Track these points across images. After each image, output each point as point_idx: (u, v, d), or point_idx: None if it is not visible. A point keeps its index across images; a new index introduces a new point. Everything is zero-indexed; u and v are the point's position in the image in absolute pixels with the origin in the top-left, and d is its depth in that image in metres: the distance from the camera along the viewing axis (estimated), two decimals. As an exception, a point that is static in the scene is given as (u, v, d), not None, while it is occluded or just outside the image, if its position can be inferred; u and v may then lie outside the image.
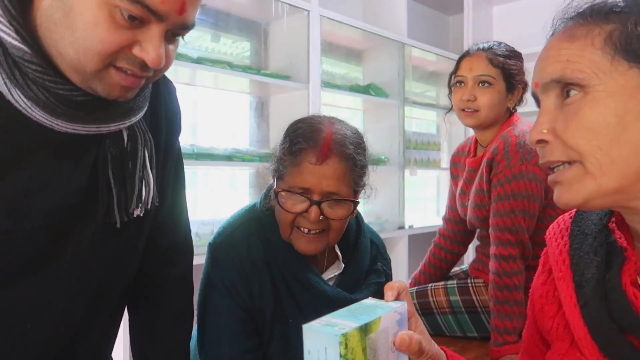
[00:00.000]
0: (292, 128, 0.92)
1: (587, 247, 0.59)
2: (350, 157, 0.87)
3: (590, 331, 0.55)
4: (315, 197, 0.86)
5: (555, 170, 0.55)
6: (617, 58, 0.51)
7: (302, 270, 0.93)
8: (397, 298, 0.61)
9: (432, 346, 0.62)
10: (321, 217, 0.86)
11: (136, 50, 0.57)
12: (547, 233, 0.67)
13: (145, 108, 0.70)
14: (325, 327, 0.51)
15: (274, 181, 0.92)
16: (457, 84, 1.41)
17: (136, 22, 0.56)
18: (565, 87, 0.53)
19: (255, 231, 0.96)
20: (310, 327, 0.52)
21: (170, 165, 0.82)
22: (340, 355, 0.49)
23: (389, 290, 0.61)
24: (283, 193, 0.88)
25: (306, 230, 0.89)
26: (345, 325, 0.51)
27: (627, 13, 0.52)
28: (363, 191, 0.94)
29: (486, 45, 1.39)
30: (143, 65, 0.59)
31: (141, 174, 0.70)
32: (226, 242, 0.95)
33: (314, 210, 0.86)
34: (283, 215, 0.89)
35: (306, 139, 0.86)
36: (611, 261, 0.56)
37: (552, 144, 0.54)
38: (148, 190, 0.72)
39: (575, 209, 0.66)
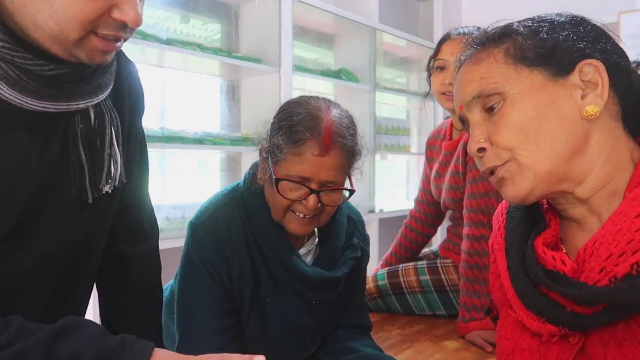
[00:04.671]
0: (289, 112, 0.90)
1: (517, 219, 0.68)
2: (350, 149, 0.89)
3: (514, 288, 0.64)
4: (314, 186, 0.87)
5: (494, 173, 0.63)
6: (519, 66, 0.61)
7: (283, 250, 0.94)
8: None
9: None
10: (318, 204, 0.88)
11: (116, 14, 0.58)
12: (493, 215, 0.76)
13: (111, 86, 0.70)
14: None
15: (268, 162, 0.91)
16: (438, 68, 1.42)
17: None
18: (485, 100, 0.62)
19: (237, 212, 0.96)
20: None
21: (134, 145, 0.83)
22: None
23: None
24: (281, 180, 0.88)
25: (301, 215, 0.90)
26: None
27: (514, 34, 0.62)
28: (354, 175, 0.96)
29: (467, 30, 1.39)
30: (123, 27, 0.60)
31: (109, 151, 0.71)
32: (207, 221, 0.95)
33: (312, 198, 0.87)
34: (279, 200, 0.89)
35: (308, 128, 0.86)
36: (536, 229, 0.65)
37: (489, 151, 0.62)
38: (116, 167, 0.73)
39: None
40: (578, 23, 0.62)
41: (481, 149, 0.63)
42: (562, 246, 0.65)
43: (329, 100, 0.94)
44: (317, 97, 0.94)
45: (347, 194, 0.93)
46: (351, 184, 0.94)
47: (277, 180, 0.88)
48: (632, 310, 0.54)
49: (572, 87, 0.59)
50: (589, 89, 0.59)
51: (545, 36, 0.61)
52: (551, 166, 0.59)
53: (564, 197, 0.63)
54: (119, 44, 0.63)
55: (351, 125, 0.92)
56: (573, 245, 0.64)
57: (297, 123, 0.87)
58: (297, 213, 0.90)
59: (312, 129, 0.86)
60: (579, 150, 0.59)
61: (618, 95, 0.61)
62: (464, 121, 0.67)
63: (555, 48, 0.60)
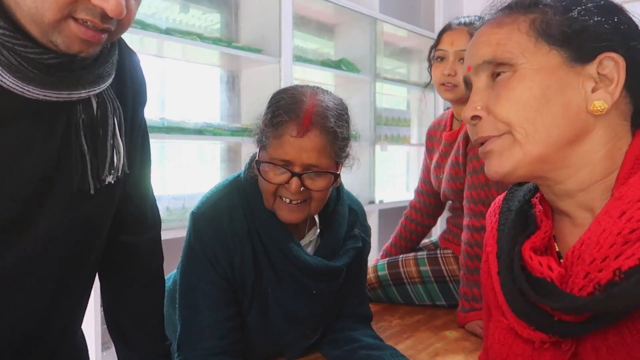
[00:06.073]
0: (275, 98, 0.92)
1: (509, 222, 0.66)
2: (330, 130, 0.87)
3: (504, 296, 0.62)
4: (296, 169, 0.87)
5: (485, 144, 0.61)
6: (539, 41, 0.58)
7: (284, 239, 0.94)
8: None
9: None
10: (302, 188, 0.88)
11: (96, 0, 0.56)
12: (486, 214, 0.74)
13: (113, 75, 0.69)
14: None
15: (258, 151, 0.92)
16: (438, 59, 1.41)
17: None
18: (495, 67, 0.60)
19: (238, 202, 0.96)
20: None
21: (136, 135, 0.82)
22: None
23: None
24: (265, 164, 0.89)
25: (288, 200, 0.90)
26: None
27: (546, 5, 0.59)
28: (346, 162, 0.95)
29: (467, 20, 1.39)
30: (103, 16, 0.57)
31: (112, 141, 0.70)
32: (209, 212, 0.95)
33: (294, 181, 0.87)
34: (265, 185, 0.90)
35: (287, 111, 0.86)
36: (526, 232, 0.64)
37: (485, 119, 0.60)
38: (119, 157, 0.72)
39: (506, 192, 0.73)
40: (614, 12, 0.59)
41: (475, 117, 0.61)
42: (555, 244, 0.64)
43: (320, 88, 0.93)
44: (309, 86, 0.93)
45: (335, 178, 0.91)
46: (338, 170, 0.92)
47: (258, 163, 0.89)
48: (619, 316, 0.52)
49: (586, 77, 0.57)
50: (602, 84, 0.57)
51: (575, 16, 0.57)
52: (543, 152, 0.57)
53: (548, 187, 0.62)
54: (103, 35, 0.60)
55: (337, 108, 0.90)
56: (566, 243, 0.63)
57: (279, 107, 0.88)
58: (284, 199, 0.90)
59: (292, 111, 0.86)
60: (574, 141, 0.57)
61: (631, 95, 0.59)
62: (468, 84, 0.64)
63: (582, 32, 0.57)
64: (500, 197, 0.72)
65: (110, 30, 0.61)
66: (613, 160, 0.58)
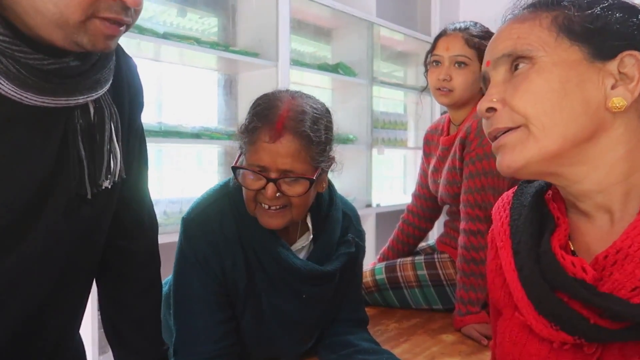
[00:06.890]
0: (253, 104, 0.92)
1: (524, 217, 0.64)
2: (304, 134, 0.86)
3: (526, 292, 0.60)
4: (272, 175, 0.87)
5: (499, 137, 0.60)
6: (560, 36, 0.57)
7: (272, 244, 0.95)
8: None
9: None
10: (278, 194, 0.87)
11: None
12: (493, 209, 0.72)
13: (110, 81, 0.70)
14: None
15: (237, 157, 0.93)
16: (434, 63, 1.42)
17: None
18: (515, 60, 0.59)
19: (227, 207, 0.96)
20: None
21: (133, 140, 0.83)
22: None
23: None
24: (242, 170, 0.89)
25: (267, 207, 0.90)
26: None
27: (569, 3, 0.59)
28: (333, 166, 0.95)
29: (463, 26, 1.40)
30: (124, 9, 0.60)
31: (109, 146, 0.71)
32: (199, 217, 0.96)
33: (270, 187, 0.87)
34: (245, 191, 0.91)
35: (261, 117, 0.87)
36: (544, 229, 0.62)
37: (500, 111, 0.59)
38: (115, 162, 0.73)
39: (515, 187, 0.71)
40: (636, 11, 0.58)
41: (490, 109, 0.59)
42: (570, 242, 0.62)
43: (300, 92, 0.93)
44: (289, 90, 0.93)
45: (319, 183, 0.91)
46: (315, 175, 0.90)
47: (234, 169, 0.89)
48: None
49: (606, 74, 0.56)
50: (623, 81, 0.56)
51: (598, 12, 0.57)
52: (560, 146, 0.56)
53: (564, 187, 0.61)
54: (122, 28, 0.62)
55: (315, 112, 0.89)
56: (583, 243, 0.61)
57: (255, 113, 0.88)
58: (264, 205, 0.90)
59: (265, 117, 0.87)
60: (591, 137, 0.56)
61: None
62: (486, 80, 0.63)
63: (604, 28, 0.56)
64: (509, 192, 0.71)
65: (129, 23, 0.62)
66: (633, 163, 0.57)
